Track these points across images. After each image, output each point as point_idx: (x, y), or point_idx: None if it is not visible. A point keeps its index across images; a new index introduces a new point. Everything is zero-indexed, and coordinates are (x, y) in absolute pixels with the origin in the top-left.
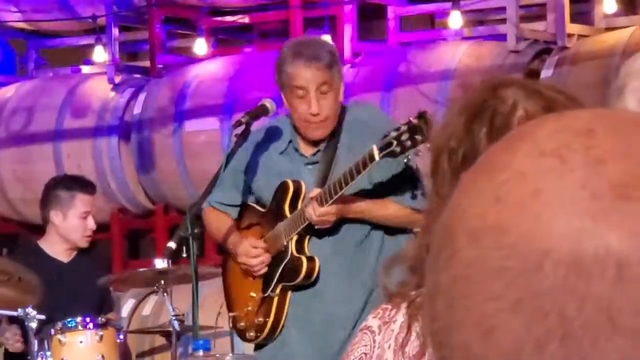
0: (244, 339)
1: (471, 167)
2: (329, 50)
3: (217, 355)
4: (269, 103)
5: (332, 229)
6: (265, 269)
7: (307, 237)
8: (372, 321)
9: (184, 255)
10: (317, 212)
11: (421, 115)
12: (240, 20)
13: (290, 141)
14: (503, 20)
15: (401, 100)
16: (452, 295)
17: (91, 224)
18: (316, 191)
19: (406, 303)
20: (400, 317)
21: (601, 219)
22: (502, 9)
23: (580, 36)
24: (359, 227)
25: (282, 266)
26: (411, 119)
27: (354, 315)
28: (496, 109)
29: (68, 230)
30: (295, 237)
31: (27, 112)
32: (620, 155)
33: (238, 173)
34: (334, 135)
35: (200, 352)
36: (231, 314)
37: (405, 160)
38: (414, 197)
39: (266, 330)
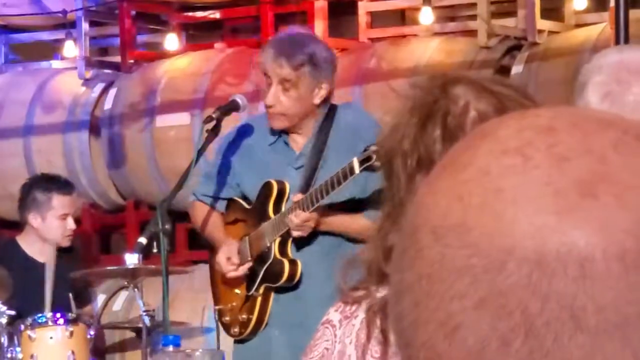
0: (228, 333)
1: (434, 167)
2: (309, 52)
3: (187, 351)
4: (240, 99)
5: (315, 232)
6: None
7: (290, 239)
8: (333, 315)
9: (155, 250)
10: (299, 218)
11: None
12: (212, 16)
13: (280, 135)
14: (474, 17)
15: (372, 96)
16: (417, 294)
17: (70, 224)
18: (299, 196)
19: (368, 299)
20: (361, 313)
21: (565, 216)
22: (473, 5)
23: (551, 32)
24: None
25: (265, 267)
26: None
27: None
28: (448, 111)
29: (47, 231)
30: (278, 240)
31: None
32: (583, 152)
33: (227, 166)
34: (322, 133)
35: (170, 348)
36: (216, 307)
37: None
38: None
39: (249, 328)
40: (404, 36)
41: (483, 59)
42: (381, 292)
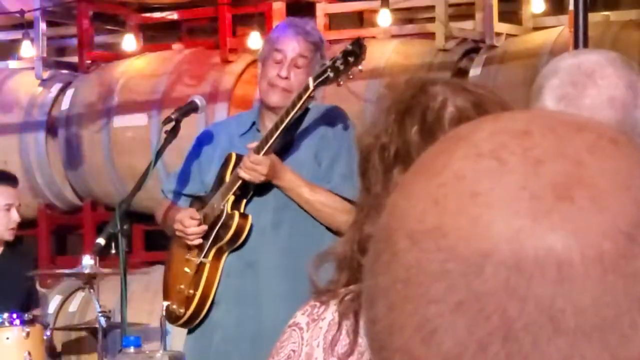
0: (173, 321)
1: (409, 169)
2: (320, 37)
3: (148, 352)
4: (198, 100)
5: (272, 200)
6: (199, 240)
7: (244, 200)
8: (300, 318)
9: (113, 251)
10: (250, 158)
11: (355, 42)
12: (169, 17)
13: (254, 122)
14: (432, 19)
15: (329, 99)
16: (392, 298)
17: (15, 216)
18: (255, 143)
19: (335, 300)
20: (329, 314)
21: (542, 220)
22: (431, 8)
23: (509, 35)
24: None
25: (216, 228)
26: (347, 45)
27: (286, 293)
28: (427, 105)
29: None
30: (231, 199)
31: None
32: (558, 156)
33: (194, 162)
34: (296, 122)
35: (131, 349)
36: (164, 303)
37: (339, 84)
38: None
39: (193, 304)
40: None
41: (441, 61)
42: (351, 293)
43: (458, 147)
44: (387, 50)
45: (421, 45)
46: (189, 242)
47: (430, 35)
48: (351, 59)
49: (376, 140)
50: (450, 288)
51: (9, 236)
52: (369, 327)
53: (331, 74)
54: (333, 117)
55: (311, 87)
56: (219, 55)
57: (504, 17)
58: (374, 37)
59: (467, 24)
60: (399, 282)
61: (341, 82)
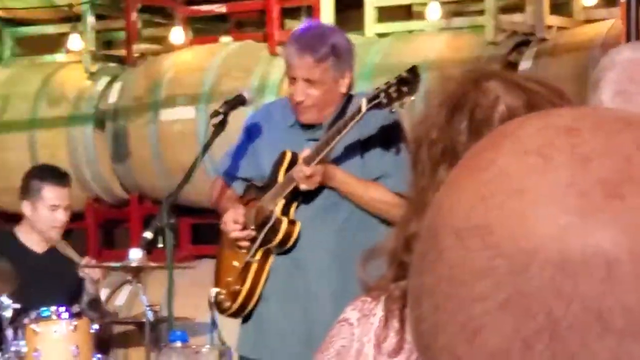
0: (222, 311)
1: (455, 166)
2: (331, 43)
3: (194, 346)
4: (246, 93)
5: (321, 202)
6: (245, 242)
7: (295, 203)
8: (350, 313)
9: (160, 245)
10: (305, 171)
11: (411, 70)
12: (218, 10)
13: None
14: (481, 12)
15: None
16: (438, 296)
17: (60, 217)
18: (307, 151)
19: (385, 296)
20: (380, 310)
21: (590, 217)
22: (481, 1)
23: (560, 28)
24: (346, 204)
25: (265, 229)
26: (402, 72)
27: (334, 292)
28: (477, 102)
29: (37, 221)
30: (282, 202)
31: (2, 100)
32: (606, 153)
33: (248, 145)
34: (337, 120)
35: (178, 344)
36: (213, 290)
37: (392, 112)
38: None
39: (240, 299)
40: (411, 31)
41: (490, 54)
42: (398, 289)
43: (504, 144)
44: (436, 44)
45: (470, 39)
46: (236, 243)
47: (480, 29)
48: (404, 89)
49: (426, 134)
50: (496, 286)
51: (54, 235)
52: (415, 326)
53: (384, 100)
54: (382, 112)
55: (363, 110)
56: (267, 48)
57: (555, 9)
58: (422, 31)
59: (517, 17)
60: (443, 280)
61: (393, 110)
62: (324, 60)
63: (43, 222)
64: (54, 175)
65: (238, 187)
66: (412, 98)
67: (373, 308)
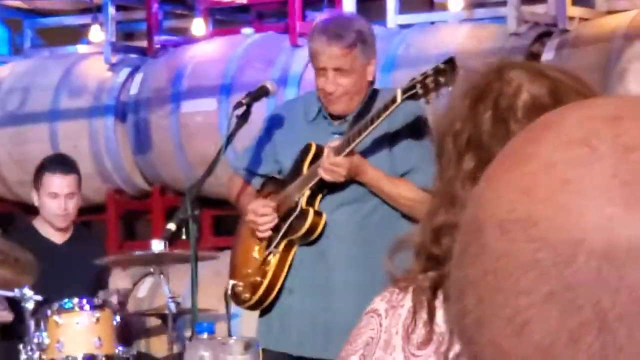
0: (239, 303)
1: (496, 158)
2: (357, 29)
3: (220, 338)
4: (270, 84)
5: (347, 194)
6: (269, 232)
7: (320, 195)
8: (379, 304)
9: (184, 237)
10: (330, 160)
11: (449, 60)
12: (239, 1)
13: (320, 109)
14: (504, 3)
15: (400, 83)
16: (482, 290)
17: (61, 205)
18: (336, 142)
19: (413, 288)
20: (408, 301)
21: (634, 207)
22: None
23: (582, 19)
24: (372, 197)
25: (289, 221)
26: (439, 63)
27: (357, 284)
28: (500, 91)
29: (42, 210)
30: (307, 193)
31: (23, 92)
32: None
33: (268, 141)
34: (363, 113)
35: (205, 335)
36: (230, 282)
37: (426, 103)
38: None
39: (260, 291)
40: (432, 22)
41: (513, 46)
42: (426, 280)
43: (547, 135)
44: (458, 35)
45: (493, 30)
46: (259, 234)
47: (502, 20)
48: (441, 80)
49: (450, 126)
50: (541, 278)
51: (60, 224)
52: (458, 320)
53: (420, 91)
54: (408, 106)
55: (398, 101)
56: (288, 39)
57: (577, 0)
58: (444, 22)
59: (540, 8)
60: (488, 273)
61: (430, 101)
62: (352, 48)
63: (47, 211)
64: (55, 163)
65: (256, 183)
66: (449, 89)
67: (401, 299)
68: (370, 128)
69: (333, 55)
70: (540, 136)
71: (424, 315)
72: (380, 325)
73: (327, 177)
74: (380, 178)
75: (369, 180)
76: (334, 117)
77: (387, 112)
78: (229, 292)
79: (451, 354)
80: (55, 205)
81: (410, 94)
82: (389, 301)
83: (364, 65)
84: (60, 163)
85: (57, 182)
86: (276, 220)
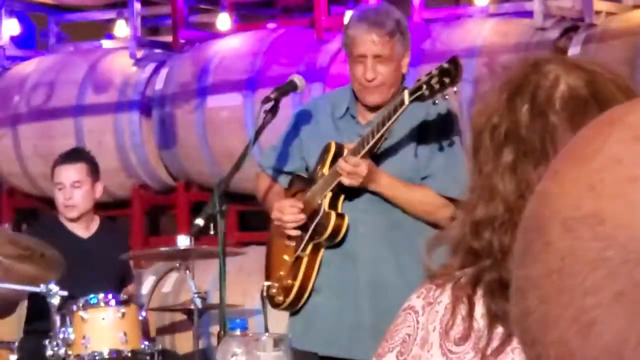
0: (274, 305)
1: (559, 153)
2: (395, 19)
3: (251, 334)
4: (298, 79)
5: (371, 195)
6: (296, 231)
7: (342, 196)
8: (415, 301)
9: (212, 232)
10: (349, 161)
11: (452, 60)
12: None
13: (348, 108)
14: None
15: None
16: (546, 289)
17: (67, 195)
18: (353, 144)
19: (451, 284)
20: (445, 298)
21: None
22: None
23: (608, 13)
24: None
25: (314, 223)
26: (443, 63)
27: (383, 285)
28: (538, 84)
29: (56, 203)
30: (329, 195)
31: (48, 87)
32: None
33: (294, 139)
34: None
35: (237, 332)
36: (265, 283)
37: (435, 103)
38: (456, 184)
39: (292, 294)
40: (458, 17)
41: (539, 40)
42: (465, 276)
43: (612, 131)
44: (484, 29)
45: (519, 24)
46: (286, 232)
47: (528, 14)
48: (446, 80)
49: (487, 120)
50: (609, 277)
51: (68, 214)
52: (520, 320)
53: (426, 92)
54: (435, 108)
55: (406, 103)
56: (314, 34)
57: None
58: (470, 16)
59: (566, 2)
60: (552, 272)
61: (436, 102)
62: (392, 36)
63: (57, 203)
64: (63, 156)
65: (284, 182)
66: (455, 89)
67: (438, 296)
68: (383, 130)
69: (373, 42)
70: (605, 132)
71: (462, 311)
72: (417, 322)
73: (347, 180)
74: (395, 186)
75: (383, 189)
76: (363, 111)
77: (397, 115)
78: (264, 293)
79: (489, 350)
80: (62, 196)
81: (417, 95)
82: (425, 298)
83: (400, 56)
84: (68, 155)
85: (63, 173)
86: (303, 219)
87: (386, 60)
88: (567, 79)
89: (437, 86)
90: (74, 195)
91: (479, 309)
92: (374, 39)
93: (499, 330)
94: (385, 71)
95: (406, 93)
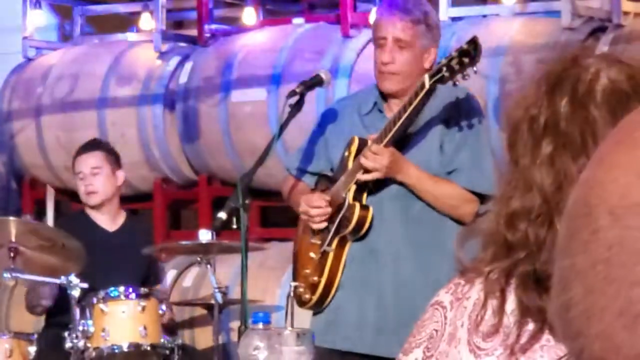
0: (302, 304)
1: (605, 141)
2: (424, 10)
3: (274, 328)
4: (324, 74)
5: (396, 190)
6: (324, 224)
7: (367, 189)
8: (444, 296)
9: (234, 226)
10: (372, 148)
11: (471, 41)
12: None
13: (376, 102)
14: None
15: None
16: (591, 280)
17: (86, 182)
18: (376, 135)
19: (481, 279)
20: (474, 293)
21: None
22: None
23: (637, 14)
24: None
25: (339, 217)
26: (463, 44)
27: (407, 282)
28: (578, 77)
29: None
30: (353, 188)
31: (72, 79)
32: None
33: (320, 139)
34: (420, 107)
35: (260, 325)
36: (292, 284)
37: (454, 85)
38: (483, 179)
39: (319, 291)
40: (485, 16)
41: (566, 40)
42: (497, 270)
43: None
44: (511, 29)
45: (546, 24)
46: (313, 226)
47: (556, 14)
48: (466, 60)
49: (525, 112)
50: None
51: (89, 201)
52: (562, 312)
53: (446, 74)
54: (460, 101)
55: (427, 86)
56: (339, 30)
57: None
58: (497, 15)
59: (594, 2)
60: (598, 262)
61: (457, 83)
62: (416, 24)
63: (81, 194)
64: (82, 147)
65: (310, 182)
66: (475, 69)
67: (467, 291)
68: (405, 115)
69: (396, 25)
70: None
71: (493, 305)
72: (445, 317)
73: (369, 166)
74: (422, 178)
75: (409, 179)
76: (389, 106)
77: (418, 99)
78: (292, 294)
79: (517, 347)
80: (82, 185)
81: (438, 77)
82: (454, 293)
83: (423, 48)
84: (85, 145)
85: (82, 162)
86: (330, 212)
87: (406, 47)
88: (609, 73)
89: (456, 67)
90: (94, 182)
91: (510, 304)
92: (396, 22)
93: (529, 327)
94: (403, 59)
95: (426, 77)
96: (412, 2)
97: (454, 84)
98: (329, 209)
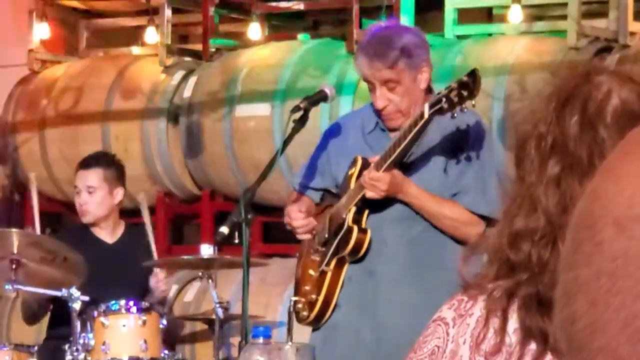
0: (300, 320)
1: (613, 152)
2: (399, 47)
3: (274, 342)
4: (328, 89)
5: (397, 212)
6: (307, 235)
7: (367, 211)
8: (446, 312)
9: (236, 241)
10: (370, 175)
11: (471, 73)
12: (295, 7)
13: (377, 122)
14: (564, 17)
15: None
16: (595, 293)
17: (82, 199)
18: (377, 157)
19: (484, 296)
20: (477, 310)
21: None
22: (563, 5)
23: None
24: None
25: (338, 238)
26: (463, 76)
27: (405, 304)
28: (589, 96)
29: None
30: (353, 209)
31: (77, 91)
32: None
33: (324, 156)
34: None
35: (260, 339)
36: (293, 298)
37: (454, 116)
38: (487, 201)
39: (316, 309)
40: (490, 34)
41: (572, 60)
42: (499, 288)
43: None
44: (516, 47)
45: (552, 43)
46: (297, 236)
47: (562, 33)
48: (464, 93)
49: (534, 128)
50: None
51: (81, 218)
52: (566, 326)
53: (445, 105)
54: (465, 122)
55: (426, 116)
56: (344, 46)
57: (638, 16)
58: (502, 34)
59: (600, 22)
60: (602, 274)
61: (455, 115)
62: (396, 64)
63: (76, 207)
64: (82, 160)
65: (313, 196)
66: (473, 102)
67: (470, 308)
68: (404, 143)
69: (377, 70)
70: None
71: (495, 324)
72: (447, 334)
73: (369, 193)
74: (423, 197)
75: (411, 198)
76: (391, 129)
77: (417, 129)
78: (292, 309)
79: None
80: (77, 200)
81: (437, 109)
82: (457, 309)
83: (412, 77)
84: (86, 159)
85: (79, 178)
86: (311, 223)
87: (396, 85)
88: (620, 93)
89: (455, 99)
90: (88, 201)
91: (512, 324)
92: (376, 70)
93: (532, 346)
94: (398, 98)
95: (426, 106)
96: (386, 41)
97: (452, 117)
98: (309, 220)
